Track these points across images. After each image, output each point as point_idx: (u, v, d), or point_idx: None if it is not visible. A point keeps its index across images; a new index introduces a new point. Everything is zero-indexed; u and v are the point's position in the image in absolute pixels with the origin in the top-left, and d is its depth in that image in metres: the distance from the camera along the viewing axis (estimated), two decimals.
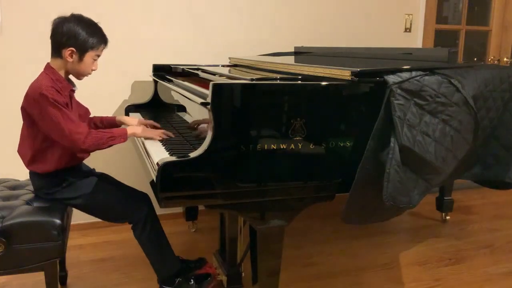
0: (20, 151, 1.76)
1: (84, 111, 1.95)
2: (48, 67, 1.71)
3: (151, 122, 1.98)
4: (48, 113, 1.59)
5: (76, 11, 1.74)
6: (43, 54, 1.80)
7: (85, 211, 1.80)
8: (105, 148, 1.69)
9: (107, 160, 2.52)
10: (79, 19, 1.69)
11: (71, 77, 1.78)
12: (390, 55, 2.25)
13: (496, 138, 1.96)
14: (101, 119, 2.00)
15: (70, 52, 1.67)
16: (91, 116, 1.99)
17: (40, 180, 1.75)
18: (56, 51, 1.69)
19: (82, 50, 1.68)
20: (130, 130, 1.78)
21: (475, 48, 3.77)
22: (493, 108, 1.88)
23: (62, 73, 1.71)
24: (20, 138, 1.77)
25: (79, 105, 1.91)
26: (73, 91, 1.78)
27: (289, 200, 1.51)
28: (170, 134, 1.81)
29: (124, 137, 1.73)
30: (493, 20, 3.64)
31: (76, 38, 1.66)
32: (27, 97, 1.65)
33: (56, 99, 1.59)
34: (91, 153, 1.90)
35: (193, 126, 1.86)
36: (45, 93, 1.58)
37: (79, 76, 1.76)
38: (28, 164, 1.74)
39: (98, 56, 1.75)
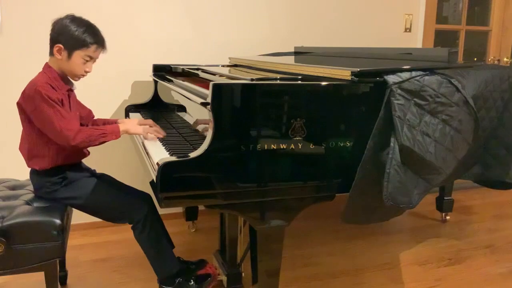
0: (21, 147, 1.77)
1: (86, 113, 1.95)
2: (46, 66, 1.72)
3: (150, 121, 1.97)
4: (41, 109, 1.60)
5: (76, 11, 1.74)
6: (43, 54, 1.79)
7: (85, 211, 1.80)
8: (97, 144, 1.68)
9: (107, 160, 2.52)
10: (73, 18, 1.69)
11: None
12: (390, 55, 2.24)
13: (496, 138, 1.97)
14: (104, 121, 2.00)
15: (58, 48, 1.67)
16: (95, 118, 1.99)
17: (39, 178, 1.75)
18: (51, 48, 1.70)
19: (69, 48, 1.67)
20: (122, 126, 1.77)
21: (475, 48, 3.77)
22: (493, 108, 1.88)
23: (58, 71, 1.71)
24: (21, 135, 1.77)
25: (81, 106, 1.91)
26: (71, 90, 1.78)
27: (289, 200, 1.51)
28: (162, 132, 1.80)
29: (116, 134, 1.72)
30: (493, 20, 3.64)
31: (64, 35, 1.65)
32: (24, 93, 1.66)
33: (49, 95, 1.60)
34: (91, 153, 1.90)
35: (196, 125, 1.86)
36: (39, 89, 1.59)
37: (72, 76, 1.75)
38: (27, 160, 1.74)
39: (91, 57, 1.71)
